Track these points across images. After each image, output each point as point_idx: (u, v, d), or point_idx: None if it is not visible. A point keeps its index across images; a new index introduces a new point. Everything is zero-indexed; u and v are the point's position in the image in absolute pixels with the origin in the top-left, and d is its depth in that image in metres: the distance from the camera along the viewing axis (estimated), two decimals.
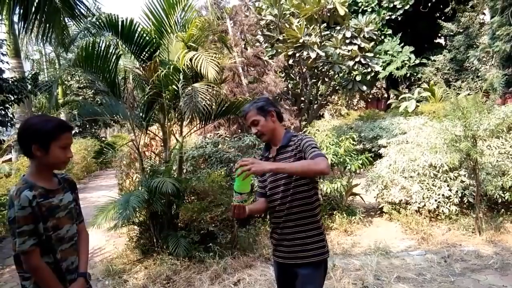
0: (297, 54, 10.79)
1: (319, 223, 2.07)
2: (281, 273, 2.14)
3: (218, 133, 9.14)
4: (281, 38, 11.51)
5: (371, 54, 11.86)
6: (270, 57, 11.58)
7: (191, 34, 4.67)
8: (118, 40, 4.72)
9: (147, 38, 4.66)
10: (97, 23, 4.47)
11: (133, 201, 3.90)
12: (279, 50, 11.38)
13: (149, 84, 4.48)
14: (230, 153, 5.94)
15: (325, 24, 11.55)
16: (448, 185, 5.21)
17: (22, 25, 3.76)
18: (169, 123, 5.01)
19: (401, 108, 12.87)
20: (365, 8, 15.99)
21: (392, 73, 15.27)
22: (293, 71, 13.59)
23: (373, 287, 3.52)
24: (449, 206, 5.14)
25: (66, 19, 4.12)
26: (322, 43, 11.20)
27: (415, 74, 15.16)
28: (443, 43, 17.35)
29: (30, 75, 9.08)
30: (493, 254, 4.21)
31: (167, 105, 4.75)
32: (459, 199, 5.15)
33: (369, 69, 12.11)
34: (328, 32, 12.21)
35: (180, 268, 4.05)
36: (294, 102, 12.94)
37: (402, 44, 15.53)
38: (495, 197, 5.03)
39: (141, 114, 4.91)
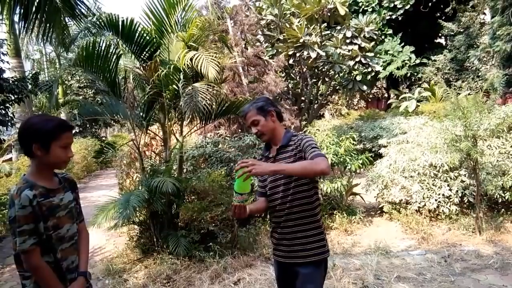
0: (298, 54, 10.79)
1: (319, 222, 2.07)
2: (281, 272, 2.15)
3: (218, 133, 9.15)
4: (281, 37, 11.51)
5: (372, 54, 11.85)
6: (270, 56, 11.58)
7: (192, 34, 4.67)
8: (118, 39, 4.72)
9: (148, 37, 4.66)
10: (98, 22, 4.47)
11: (134, 201, 3.90)
12: (280, 50, 11.38)
13: (149, 83, 4.49)
14: (230, 152, 5.94)
15: (325, 24, 11.54)
16: (448, 185, 5.21)
17: (22, 25, 3.76)
18: (169, 123, 5.01)
19: (401, 108, 12.86)
20: (365, 8, 15.98)
21: (393, 73, 15.27)
22: (294, 71, 13.59)
23: (373, 286, 3.52)
24: (449, 206, 5.14)
25: (66, 18, 4.13)
26: (323, 43, 11.20)
27: (415, 74, 15.15)
28: (444, 43, 17.33)
29: (30, 75, 9.10)
30: (493, 254, 4.21)
31: (168, 104, 4.75)
32: (459, 199, 5.15)
33: (369, 69, 12.11)
34: (328, 32, 12.21)
35: (180, 267, 4.05)
36: (295, 101, 12.94)
37: (403, 44, 15.52)
38: (495, 197, 5.03)
39: (141, 114, 4.91)
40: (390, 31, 16.00)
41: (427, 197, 5.21)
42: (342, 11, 10.29)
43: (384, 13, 15.77)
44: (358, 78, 12.76)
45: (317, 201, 2.08)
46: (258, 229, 5.01)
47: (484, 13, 13.60)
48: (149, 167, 5.14)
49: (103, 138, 20.10)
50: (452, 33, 14.22)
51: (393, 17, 15.76)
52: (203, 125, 5.17)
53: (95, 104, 5.68)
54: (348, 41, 11.41)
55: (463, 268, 3.92)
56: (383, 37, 15.72)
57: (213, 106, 4.72)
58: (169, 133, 5.05)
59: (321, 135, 6.18)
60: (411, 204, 5.35)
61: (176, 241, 4.22)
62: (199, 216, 4.39)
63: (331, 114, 20.03)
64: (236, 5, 11.04)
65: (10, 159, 12.05)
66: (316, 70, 12.92)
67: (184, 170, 5.55)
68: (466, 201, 5.22)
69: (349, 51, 11.37)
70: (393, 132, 8.24)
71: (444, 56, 14.04)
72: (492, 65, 11.61)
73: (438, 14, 16.42)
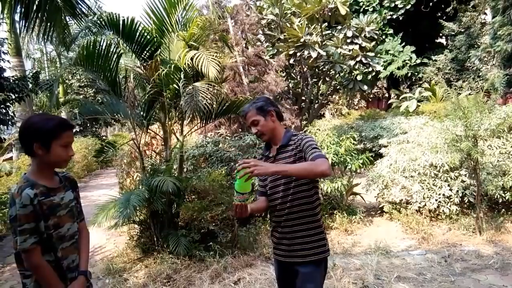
0: (298, 54, 10.79)
1: (320, 222, 2.07)
2: (282, 271, 2.15)
3: (218, 132, 9.15)
4: (282, 37, 11.51)
5: (372, 54, 11.85)
6: (271, 56, 11.58)
7: (192, 33, 4.67)
8: (119, 39, 4.73)
9: (148, 37, 4.66)
10: (98, 22, 4.47)
11: (134, 200, 3.90)
12: (280, 50, 11.38)
13: (150, 83, 4.49)
14: (230, 152, 5.94)
15: (326, 24, 11.54)
16: (448, 185, 5.21)
17: (23, 24, 3.76)
18: (169, 122, 5.01)
19: (402, 108, 12.86)
20: (366, 8, 15.97)
21: (393, 72, 15.26)
22: (294, 71, 13.59)
23: (373, 286, 3.52)
24: (450, 206, 5.14)
25: (67, 18, 4.13)
26: (323, 43, 11.20)
27: (416, 73, 15.14)
28: (445, 42, 17.31)
29: (31, 74, 9.10)
30: (493, 254, 4.21)
31: (168, 104, 4.75)
32: (460, 199, 5.15)
33: (370, 69, 12.10)
34: (329, 31, 12.20)
35: (181, 267, 4.05)
36: (295, 101, 12.94)
37: (403, 44, 15.51)
38: (495, 197, 5.03)
39: (141, 113, 4.91)
40: (391, 31, 16.00)
41: (428, 197, 5.21)
42: (343, 10, 10.29)
43: (385, 13, 15.75)
44: (359, 78, 12.75)
45: (317, 200, 2.08)
46: (258, 228, 5.01)
47: (485, 13, 13.58)
48: (150, 166, 5.14)
49: (104, 137, 20.10)
50: (453, 33, 14.21)
51: (394, 16, 15.75)
52: (203, 125, 5.17)
53: (96, 103, 5.68)
54: (348, 40, 11.41)
55: (463, 268, 3.92)
56: (383, 37, 15.70)
57: (214, 106, 4.72)
58: (169, 132, 5.05)
59: (322, 135, 6.18)
60: (411, 204, 5.35)
61: (176, 240, 4.22)
62: (200, 216, 4.39)
63: (331, 114, 20.04)
64: (237, 5, 11.05)
65: (11, 158, 12.06)
66: (316, 69, 12.92)
67: (185, 170, 5.55)
68: (466, 201, 5.22)
69: (349, 50, 11.36)
70: (394, 132, 8.24)
71: (445, 56, 14.03)
72: (493, 65, 11.60)
73: (439, 14, 16.41)
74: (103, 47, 4.48)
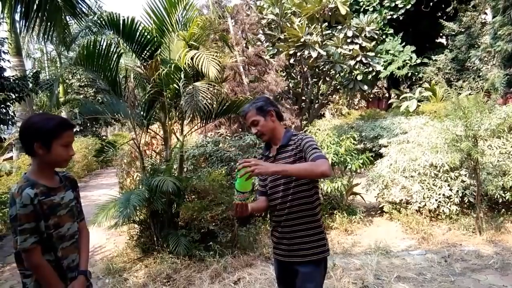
0: (298, 53, 10.78)
1: (319, 222, 2.07)
2: (281, 271, 2.15)
3: (219, 132, 9.15)
4: (282, 37, 11.51)
5: (373, 54, 11.84)
6: (271, 56, 11.58)
7: (192, 33, 4.67)
8: (119, 38, 4.73)
9: (148, 36, 4.66)
10: (99, 21, 4.47)
11: (134, 200, 3.90)
12: (280, 49, 11.38)
13: (150, 82, 4.49)
14: (230, 152, 5.94)
15: (326, 23, 11.53)
16: (448, 185, 5.20)
17: (23, 24, 3.76)
18: (170, 122, 5.01)
19: (402, 108, 12.85)
20: (366, 8, 15.97)
21: (393, 72, 15.25)
22: (294, 70, 13.59)
23: (373, 286, 3.52)
24: (450, 206, 5.13)
25: (67, 17, 4.13)
26: (324, 42, 11.19)
27: (416, 73, 15.14)
28: (445, 42, 17.31)
29: (31, 74, 9.11)
30: (493, 254, 4.21)
31: (168, 103, 4.75)
32: (460, 199, 5.15)
33: (370, 69, 12.10)
34: (329, 31, 12.20)
35: (181, 266, 4.05)
36: (295, 101, 12.93)
37: (404, 44, 15.50)
38: (495, 197, 5.03)
39: (142, 113, 4.91)
40: (391, 31, 15.99)
41: (428, 197, 5.21)
42: (343, 10, 10.28)
43: (385, 13, 15.75)
44: (359, 77, 12.75)
45: (317, 200, 2.08)
46: (258, 228, 5.01)
47: (485, 13, 13.57)
48: (150, 166, 5.14)
49: (104, 137, 20.11)
50: (453, 33, 14.20)
51: (394, 16, 15.74)
52: (203, 124, 5.18)
53: (96, 103, 5.68)
54: (349, 40, 11.40)
55: (463, 268, 3.92)
56: (384, 36, 15.70)
57: (214, 105, 4.72)
58: (169, 132, 5.05)
59: (322, 135, 6.18)
60: (411, 204, 5.35)
61: (176, 240, 4.23)
62: (200, 216, 4.39)
63: (331, 114, 20.03)
64: (237, 4, 11.05)
65: (11, 157, 12.06)
66: (317, 69, 12.92)
67: (185, 169, 5.55)
68: (466, 201, 5.22)
69: (350, 50, 11.36)
70: (394, 132, 8.24)
71: (445, 56, 14.03)
72: (493, 65, 11.59)
73: (439, 14, 16.40)
74: (103, 47, 4.48)
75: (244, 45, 10.48)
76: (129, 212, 3.83)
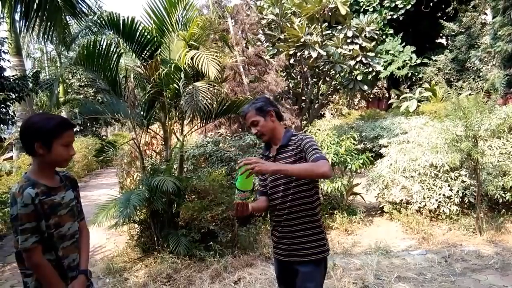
0: (298, 54, 10.78)
1: (320, 222, 2.08)
2: (281, 270, 2.15)
3: (219, 132, 9.15)
4: (282, 37, 11.51)
5: (373, 54, 11.84)
6: (271, 56, 11.58)
7: (192, 33, 4.67)
8: (119, 38, 4.73)
9: (148, 36, 4.66)
10: (99, 21, 4.47)
11: (134, 200, 3.90)
12: (280, 49, 11.38)
13: (150, 82, 4.49)
14: (230, 152, 5.94)
15: (326, 24, 11.53)
16: (449, 185, 5.21)
17: (23, 23, 3.76)
18: (170, 122, 5.01)
19: (402, 108, 12.86)
20: (366, 8, 15.97)
21: (393, 72, 15.25)
22: (294, 71, 13.59)
23: (374, 286, 3.52)
24: (450, 206, 5.13)
25: (67, 17, 4.13)
26: (324, 43, 11.19)
27: (416, 74, 15.14)
28: (445, 43, 17.31)
29: (31, 73, 9.11)
30: (493, 254, 4.21)
31: (168, 103, 4.75)
32: (460, 199, 5.15)
33: (370, 69, 12.10)
34: (329, 31, 12.20)
35: (181, 266, 4.05)
36: (295, 101, 12.93)
37: (404, 44, 15.51)
38: (496, 197, 5.02)
39: (142, 113, 4.91)
40: (391, 31, 15.99)
41: (428, 197, 5.21)
42: (343, 10, 10.29)
43: (385, 13, 15.75)
44: (359, 78, 12.75)
45: (318, 200, 2.08)
46: (258, 228, 5.01)
47: (486, 13, 13.58)
48: (150, 166, 5.14)
49: (104, 137, 20.12)
50: (453, 33, 14.21)
51: (394, 17, 15.74)
52: (203, 124, 5.18)
53: (96, 103, 5.68)
54: (349, 40, 11.40)
55: (464, 268, 3.92)
56: (384, 37, 15.70)
57: (214, 105, 4.72)
58: (169, 132, 5.05)
59: (322, 135, 6.18)
60: (411, 204, 5.35)
61: (176, 240, 4.22)
62: (200, 215, 4.39)
63: (331, 114, 20.04)
64: (237, 4, 11.05)
65: (11, 157, 12.06)
66: (317, 69, 12.92)
67: (185, 169, 5.55)
68: (466, 201, 5.22)
69: (350, 50, 11.36)
70: (394, 132, 8.24)
71: (445, 56, 14.03)
72: (493, 65, 11.59)
73: (439, 14, 16.40)
74: (103, 47, 4.48)
75: (244, 45, 10.48)
76: (129, 212, 3.83)
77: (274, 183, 2.09)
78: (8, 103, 7.60)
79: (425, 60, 14.92)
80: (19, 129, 1.78)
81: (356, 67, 11.90)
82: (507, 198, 4.97)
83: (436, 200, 5.16)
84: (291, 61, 11.78)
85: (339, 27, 11.81)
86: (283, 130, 2.14)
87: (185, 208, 4.50)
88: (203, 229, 4.44)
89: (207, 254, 4.18)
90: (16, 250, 1.62)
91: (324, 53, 10.80)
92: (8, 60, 8.36)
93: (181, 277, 3.87)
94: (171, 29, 4.78)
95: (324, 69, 12.50)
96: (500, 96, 10.79)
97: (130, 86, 4.63)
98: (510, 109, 5.54)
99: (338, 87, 14.00)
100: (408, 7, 15.31)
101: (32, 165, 1.70)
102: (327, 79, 13.11)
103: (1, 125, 8.08)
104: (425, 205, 5.21)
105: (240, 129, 8.52)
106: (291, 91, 13.27)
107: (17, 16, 3.90)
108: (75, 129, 1.87)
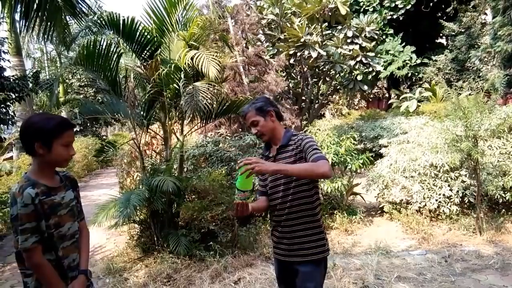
0: (298, 54, 10.79)
1: (320, 222, 2.08)
2: (281, 270, 2.15)
3: (219, 132, 9.15)
4: (282, 37, 11.51)
5: (373, 54, 11.85)
6: (271, 56, 11.58)
7: (192, 33, 4.67)
8: (119, 38, 4.73)
9: (148, 36, 4.66)
10: (98, 21, 4.48)
11: (134, 200, 3.90)
12: (280, 49, 11.38)
13: (150, 82, 4.49)
14: (230, 152, 5.94)
15: (326, 24, 11.53)
16: (449, 185, 5.21)
17: (23, 23, 3.76)
18: (170, 122, 5.01)
19: (402, 108, 12.86)
20: (366, 8, 15.97)
21: (393, 72, 15.25)
22: (294, 71, 13.59)
23: (374, 286, 3.52)
24: (450, 206, 5.13)
25: (67, 17, 4.13)
26: (324, 43, 11.20)
27: (416, 74, 15.14)
28: (445, 43, 17.31)
29: (31, 73, 9.11)
30: (493, 254, 4.21)
31: (168, 103, 4.75)
32: (460, 199, 5.15)
33: (370, 69, 12.10)
34: (329, 31, 12.20)
35: (181, 266, 4.05)
36: (295, 101, 12.94)
37: (404, 44, 15.51)
38: (496, 197, 5.02)
39: (142, 113, 4.91)
40: (391, 31, 15.99)
41: (428, 197, 5.21)
42: (343, 10, 10.29)
43: (385, 13, 15.75)
44: (359, 78, 12.75)
45: (318, 200, 2.08)
46: (258, 228, 5.01)
47: (485, 13, 13.58)
48: (150, 166, 5.14)
49: (104, 137, 20.12)
50: (453, 33, 14.21)
51: (394, 17, 15.75)
52: (203, 124, 5.17)
53: (96, 103, 5.68)
54: (349, 40, 11.41)
55: (464, 268, 3.92)
56: (384, 37, 15.70)
57: (214, 106, 4.72)
58: (169, 132, 5.05)
59: (322, 135, 6.18)
60: (411, 204, 5.35)
61: (176, 240, 4.22)
62: (200, 215, 4.39)
63: (331, 114, 20.04)
64: (237, 4, 11.05)
65: (11, 157, 12.06)
66: (317, 69, 12.92)
67: (185, 169, 5.55)
68: (466, 201, 5.22)
69: (350, 50, 11.37)
70: (394, 132, 8.24)
71: (445, 56, 14.03)
72: (493, 65, 11.59)
73: (439, 14, 16.41)
74: (103, 47, 4.48)
75: (244, 45, 10.48)
76: (129, 212, 3.83)
77: (274, 183, 2.09)
78: (8, 103, 7.60)
79: (425, 60, 14.92)
80: (19, 129, 1.78)
81: (356, 67, 11.90)
82: (507, 198, 4.97)
83: (436, 200, 5.16)
84: (291, 61, 11.78)
85: (339, 27, 11.81)
86: (283, 130, 2.14)
87: (185, 208, 4.50)
88: (203, 229, 4.44)
89: (207, 254, 4.18)
90: (16, 250, 1.62)
91: (324, 53, 10.80)
92: (8, 60, 8.36)
93: (181, 277, 3.87)
94: (171, 29, 4.78)
95: (324, 69, 12.50)
96: (500, 96, 10.79)
97: (130, 86, 4.63)
98: (510, 109, 5.54)
99: (338, 87, 14.00)
100: (408, 7, 15.31)
101: (32, 165, 1.70)
102: (327, 79, 13.11)
103: (1, 125, 8.07)
104: (425, 205, 5.21)
105: (240, 129, 8.52)
106: (291, 91, 13.27)
107: (17, 16, 3.90)
108: (75, 129, 1.87)
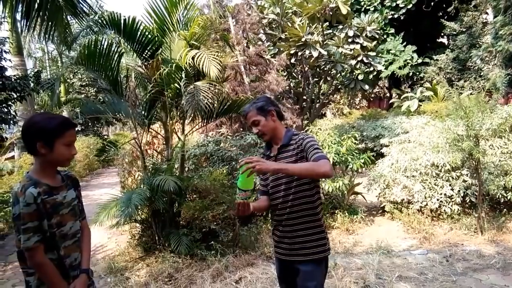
0: (299, 53, 10.79)
1: (321, 221, 2.08)
2: (282, 269, 2.15)
3: (220, 132, 9.16)
4: (283, 36, 11.51)
5: (374, 53, 11.84)
6: (272, 55, 11.58)
7: (193, 33, 4.68)
8: (120, 38, 4.73)
9: (149, 36, 4.67)
10: (100, 21, 4.48)
11: (135, 199, 3.91)
12: (281, 49, 11.38)
13: (151, 82, 4.49)
14: (232, 151, 5.94)
15: (327, 23, 11.53)
16: (450, 185, 5.20)
17: (24, 23, 3.76)
18: (171, 121, 5.02)
19: (403, 107, 12.84)
20: (367, 7, 15.95)
21: (395, 72, 15.23)
22: (295, 70, 13.59)
23: (375, 286, 3.52)
24: (451, 206, 5.13)
25: (68, 17, 4.13)
26: (325, 42, 11.19)
27: (417, 73, 15.11)
28: (446, 42, 17.28)
29: (32, 73, 9.12)
30: (495, 254, 4.20)
31: (169, 103, 4.75)
32: (461, 199, 5.14)
33: (371, 68, 12.11)
34: (330, 31, 12.20)
35: (182, 266, 4.06)
36: (296, 101, 12.94)
37: (405, 43, 15.48)
38: (497, 196, 5.02)
39: (143, 112, 4.92)
40: (392, 30, 15.96)
41: (429, 196, 5.20)
42: (344, 10, 10.28)
43: (386, 12, 15.72)
44: (360, 77, 12.75)
45: (319, 200, 2.08)
46: (259, 228, 5.02)
47: (487, 13, 13.54)
48: (151, 165, 5.15)
49: (105, 137, 20.16)
50: (454, 33, 14.18)
51: (395, 16, 15.72)
52: (204, 124, 5.18)
53: (97, 103, 5.70)
54: (350, 40, 11.40)
55: (465, 268, 3.92)
56: (385, 36, 15.68)
57: (215, 105, 4.73)
58: (171, 131, 5.05)
59: (323, 134, 6.17)
60: (413, 204, 5.34)
61: (177, 239, 4.23)
62: (201, 215, 4.40)
63: (332, 113, 20.03)
64: (238, 4, 11.06)
65: (13, 157, 12.07)
66: (318, 69, 12.92)
67: (186, 169, 5.56)
68: (468, 201, 5.21)
69: (351, 50, 11.36)
70: (395, 132, 8.24)
71: (446, 56, 14.01)
72: (494, 64, 11.57)
73: (441, 14, 16.36)
74: (105, 46, 4.49)
75: (245, 44, 10.48)
76: (130, 211, 3.84)
77: (275, 182, 2.09)
78: (10, 103, 7.62)
79: (426, 60, 14.89)
80: (20, 129, 1.78)
81: (357, 66, 11.89)
82: (508, 197, 4.97)
83: (438, 200, 5.15)
84: (292, 60, 11.78)
85: (340, 26, 11.81)
86: (284, 129, 2.14)
87: (186, 208, 4.50)
88: (204, 229, 4.45)
89: (208, 253, 4.19)
90: (18, 249, 1.63)
91: (325, 53, 10.80)
92: (10, 60, 8.39)
93: (182, 276, 3.87)
94: (172, 29, 4.78)
95: (325, 69, 12.50)
96: (502, 96, 10.76)
97: (131, 86, 4.63)
98: None
99: (339, 87, 14.00)
100: (409, 6, 15.27)
101: (34, 165, 1.71)
102: (328, 78, 13.10)
103: (3, 125, 8.09)
104: (427, 204, 5.20)
105: (241, 129, 8.52)
106: (292, 90, 13.27)
107: (18, 16, 3.90)
108: (76, 129, 1.87)
